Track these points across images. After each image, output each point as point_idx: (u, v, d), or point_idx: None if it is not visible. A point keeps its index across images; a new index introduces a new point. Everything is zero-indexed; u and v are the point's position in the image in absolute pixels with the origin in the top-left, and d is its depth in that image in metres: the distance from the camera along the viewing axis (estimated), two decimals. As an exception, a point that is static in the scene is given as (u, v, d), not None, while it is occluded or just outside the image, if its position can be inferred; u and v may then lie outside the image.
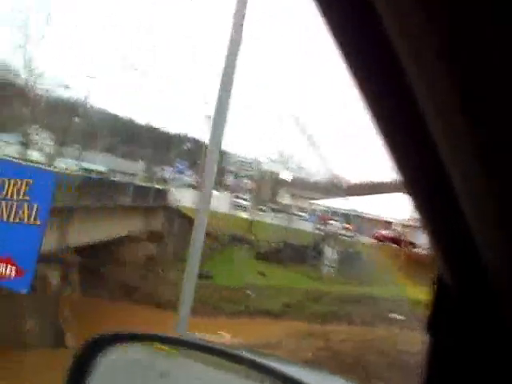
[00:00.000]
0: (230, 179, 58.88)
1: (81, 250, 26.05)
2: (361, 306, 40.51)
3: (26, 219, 14.77)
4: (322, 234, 47.62)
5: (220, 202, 53.78)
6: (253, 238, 44.00)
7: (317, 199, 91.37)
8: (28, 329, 21.15)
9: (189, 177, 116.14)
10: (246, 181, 59.84)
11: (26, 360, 19.85)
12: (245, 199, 60.56)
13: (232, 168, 58.59)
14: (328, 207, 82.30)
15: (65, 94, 65.32)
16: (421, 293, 48.35)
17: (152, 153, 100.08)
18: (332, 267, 45.44)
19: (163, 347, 1.90)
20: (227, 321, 31.91)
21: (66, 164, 68.83)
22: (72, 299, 22.35)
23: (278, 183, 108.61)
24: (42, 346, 21.07)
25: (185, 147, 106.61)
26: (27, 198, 14.86)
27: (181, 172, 61.52)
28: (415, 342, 29.55)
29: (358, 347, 23.97)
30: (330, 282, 43.04)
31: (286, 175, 63.58)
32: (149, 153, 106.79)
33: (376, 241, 60.01)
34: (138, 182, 75.57)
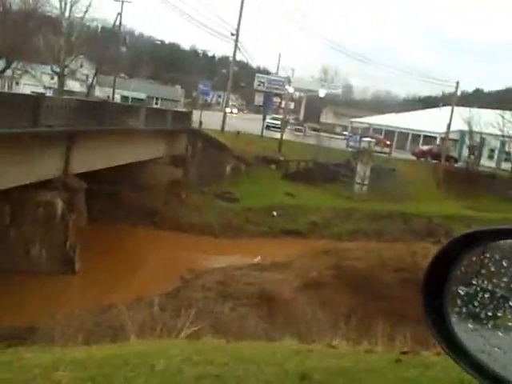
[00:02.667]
0: (262, 99, 57.44)
1: (94, 175, 25.94)
2: (391, 222, 39.79)
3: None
4: (355, 151, 46.24)
5: (253, 123, 53.03)
6: (282, 158, 43.21)
7: (360, 117, 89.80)
8: (37, 256, 21.44)
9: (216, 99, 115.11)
10: (279, 100, 58.25)
11: (36, 285, 20.17)
12: (280, 119, 59.42)
13: (265, 88, 57.02)
14: (370, 124, 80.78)
15: (104, 21, 64.87)
16: (457, 208, 47.28)
17: (194, 78, 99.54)
18: (364, 185, 44.52)
19: None
20: (248, 242, 31.78)
21: (105, 93, 68.96)
22: (79, 225, 22.41)
23: (319, 102, 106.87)
24: (51, 272, 21.37)
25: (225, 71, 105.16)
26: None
27: (205, 93, 60.36)
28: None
29: (373, 265, 23.47)
30: (360, 199, 42.27)
31: (322, 93, 61.62)
32: (192, 78, 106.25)
33: (416, 157, 58.51)
34: (179, 107, 75.38)
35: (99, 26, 69.10)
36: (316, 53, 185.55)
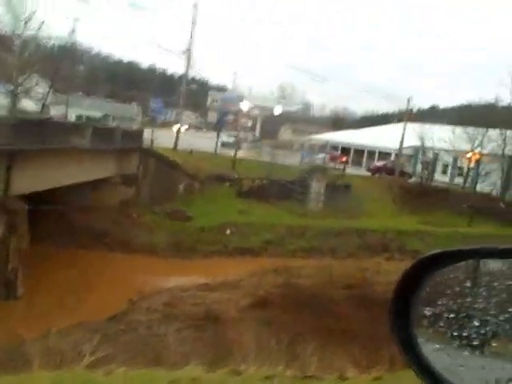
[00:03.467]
0: (218, 117, 57.38)
1: (41, 196, 25.30)
2: (345, 239, 39.86)
3: None
4: (309, 168, 46.29)
5: (209, 140, 52.78)
6: (236, 176, 42.99)
7: (319, 134, 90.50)
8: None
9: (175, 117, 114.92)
10: (233, 118, 58.29)
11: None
12: (235, 137, 59.33)
13: (218, 105, 56.99)
14: (327, 141, 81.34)
15: (61, 39, 63.88)
16: (412, 223, 47.73)
17: (153, 96, 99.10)
18: (319, 202, 44.59)
19: None
20: (201, 261, 31.40)
21: (60, 112, 67.93)
22: (21, 248, 21.74)
23: (277, 119, 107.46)
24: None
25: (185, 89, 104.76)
26: None
27: (157, 111, 59.97)
28: (391, 272, 28.98)
29: (323, 282, 23.35)
30: (315, 216, 42.28)
31: (278, 110, 61.82)
32: (150, 96, 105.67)
33: (371, 173, 59.02)
34: (135, 125, 74.64)
35: (55, 43, 68.28)
36: (275, 71, 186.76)
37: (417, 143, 60.19)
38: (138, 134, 37.17)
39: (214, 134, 63.02)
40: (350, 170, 58.64)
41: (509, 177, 57.35)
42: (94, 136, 28.71)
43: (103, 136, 31.14)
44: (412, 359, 1.67)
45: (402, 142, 57.26)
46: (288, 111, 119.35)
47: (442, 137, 55.90)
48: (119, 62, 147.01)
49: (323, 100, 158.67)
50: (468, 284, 1.71)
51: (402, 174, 58.27)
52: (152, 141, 39.56)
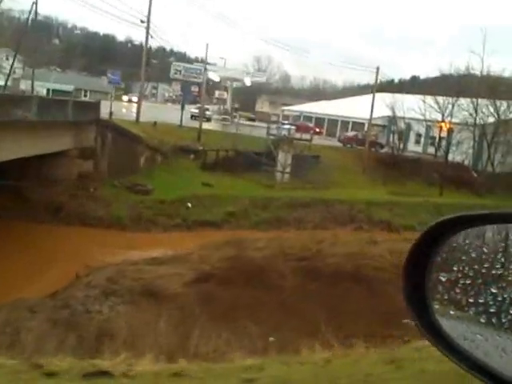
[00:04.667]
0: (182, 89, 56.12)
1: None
2: (312, 210, 39.31)
3: None
4: (276, 139, 45.50)
5: (175, 113, 51.77)
6: (201, 148, 42.18)
7: (291, 105, 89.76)
8: None
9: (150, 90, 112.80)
10: (202, 89, 56.94)
11: None
12: (206, 109, 58.34)
13: (182, 76, 55.70)
14: (301, 112, 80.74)
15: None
16: (382, 194, 47.35)
17: (130, 70, 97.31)
18: (286, 173, 43.99)
19: None
20: (160, 235, 30.76)
21: (29, 86, 66.51)
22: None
23: (255, 91, 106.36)
24: None
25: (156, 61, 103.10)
26: None
27: (115, 82, 58.59)
28: (349, 243, 28.58)
29: (275, 254, 22.84)
30: (282, 188, 41.75)
31: (248, 81, 60.88)
32: (128, 70, 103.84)
33: (342, 144, 58.48)
34: (108, 99, 73.24)
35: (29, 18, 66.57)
36: (254, 45, 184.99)
37: (390, 113, 59.69)
38: (95, 106, 36.06)
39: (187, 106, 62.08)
40: (323, 141, 58.10)
41: (481, 146, 57.10)
42: (42, 109, 27.67)
43: (53, 108, 30.10)
44: (426, 326, 1.63)
45: (371, 113, 56.61)
46: (265, 83, 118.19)
47: (412, 106, 55.44)
48: (95, 36, 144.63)
49: (303, 72, 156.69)
50: (485, 250, 1.66)
51: (374, 144, 57.76)
52: (111, 113, 38.55)
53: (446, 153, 54.88)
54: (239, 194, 38.07)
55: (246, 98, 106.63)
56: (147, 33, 42.82)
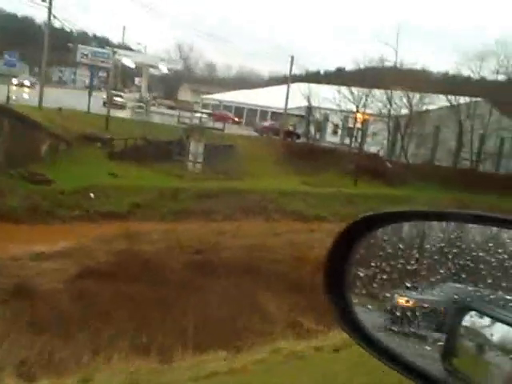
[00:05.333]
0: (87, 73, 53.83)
1: None
2: (222, 201, 38.61)
3: None
4: (187, 128, 44.38)
5: (85, 99, 49.73)
6: (108, 136, 40.63)
7: (213, 94, 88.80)
8: None
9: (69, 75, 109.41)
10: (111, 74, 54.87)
11: None
12: (120, 95, 56.54)
13: (89, 60, 53.51)
14: (221, 101, 79.92)
15: None
16: (296, 184, 47.17)
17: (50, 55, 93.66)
18: (198, 163, 43.09)
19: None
20: (58, 227, 29.29)
21: None
22: None
23: (177, 79, 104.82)
24: None
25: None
26: None
27: (11, 65, 55.78)
28: (251, 235, 28.05)
29: (170, 247, 22.04)
30: (193, 178, 40.79)
31: (163, 68, 59.43)
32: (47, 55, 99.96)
33: (259, 133, 58.02)
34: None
35: None
36: (180, 34, 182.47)
37: (308, 104, 59.75)
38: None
39: (101, 92, 59.99)
40: (242, 131, 57.44)
41: (395, 137, 57.92)
42: None
43: None
44: (344, 320, 1.68)
45: (286, 103, 56.50)
46: (189, 71, 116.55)
47: (330, 97, 55.63)
48: (11, 17, 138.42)
49: (229, 61, 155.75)
50: (400, 246, 1.70)
51: (290, 134, 57.65)
52: (8, 98, 36.50)
53: (363, 143, 55.41)
54: (147, 184, 36.91)
55: (169, 85, 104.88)
56: (49, 13, 40.82)
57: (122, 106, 54.71)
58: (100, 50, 54.41)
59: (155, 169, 40.13)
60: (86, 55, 52.85)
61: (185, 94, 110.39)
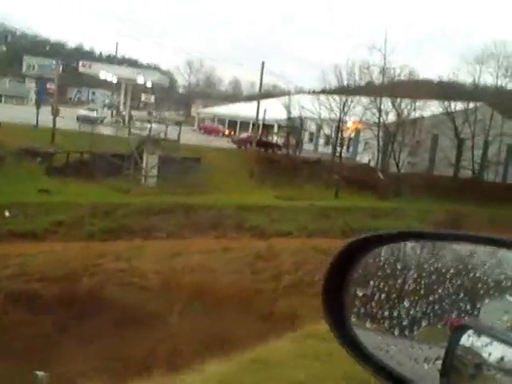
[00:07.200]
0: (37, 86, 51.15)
1: None
2: (170, 217, 35.23)
3: None
4: (139, 139, 41.03)
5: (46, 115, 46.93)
6: (51, 150, 37.72)
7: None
8: None
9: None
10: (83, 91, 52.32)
11: None
12: (95, 110, 53.97)
13: (35, 72, 50.78)
14: (215, 114, 77.53)
15: None
16: (267, 198, 43.38)
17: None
18: (151, 177, 39.82)
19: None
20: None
21: None
22: None
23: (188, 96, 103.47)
24: None
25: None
26: None
27: None
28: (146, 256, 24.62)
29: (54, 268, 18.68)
30: (143, 193, 37.48)
31: (140, 80, 56.74)
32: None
33: (237, 145, 54.71)
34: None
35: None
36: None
37: (295, 114, 56.31)
38: None
39: (77, 108, 57.65)
40: (218, 143, 54.04)
41: (386, 147, 53.89)
42: None
43: None
44: (344, 338, 1.67)
45: (257, 113, 53.41)
46: (200, 87, 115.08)
47: (316, 107, 52.26)
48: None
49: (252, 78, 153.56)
50: (398, 266, 1.70)
51: (269, 145, 54.23)
52: None
53: (340, 153, 51.92)
54: (83, 201, 33.77)
55: (181, 102, 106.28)
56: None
57: (93, 122, 51.69)
58: (47, 62, 51.60)
59: (101, 184, 37.02)
60: (33, 66, 50.29)
61: (197, 109, 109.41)
